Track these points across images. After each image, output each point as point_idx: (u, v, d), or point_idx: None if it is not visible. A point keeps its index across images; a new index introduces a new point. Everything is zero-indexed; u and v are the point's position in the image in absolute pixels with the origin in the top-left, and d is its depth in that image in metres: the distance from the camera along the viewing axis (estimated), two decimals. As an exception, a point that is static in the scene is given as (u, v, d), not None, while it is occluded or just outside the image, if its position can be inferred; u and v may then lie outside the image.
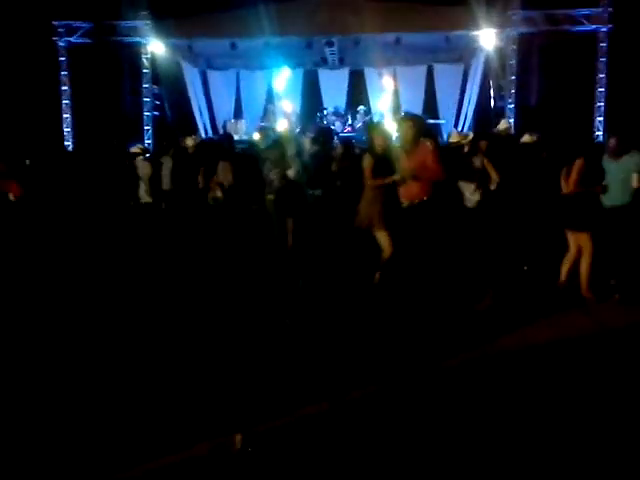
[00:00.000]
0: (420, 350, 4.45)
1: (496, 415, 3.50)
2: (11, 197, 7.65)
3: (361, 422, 3.45)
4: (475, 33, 14.29)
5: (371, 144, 5.82)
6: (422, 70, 17.24)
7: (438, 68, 17.16)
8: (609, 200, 5.81)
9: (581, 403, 3.63)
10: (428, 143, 5.57)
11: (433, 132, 6.50)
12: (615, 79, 14.24)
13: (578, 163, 5.60)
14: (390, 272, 5.58)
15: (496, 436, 3.25)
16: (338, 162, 7.19)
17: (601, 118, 14.60)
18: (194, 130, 16.52)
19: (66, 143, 15.19)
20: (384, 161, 5.61)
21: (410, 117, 6.08)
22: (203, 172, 7.30)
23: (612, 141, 5.88)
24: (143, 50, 15.31)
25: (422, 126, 5.77)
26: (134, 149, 8.56)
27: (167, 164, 7.99)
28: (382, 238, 5.69)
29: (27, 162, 8.64)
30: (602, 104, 14.60)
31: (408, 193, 5.51)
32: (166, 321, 5.23)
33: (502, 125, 8.90)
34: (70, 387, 3.93)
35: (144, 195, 8.05)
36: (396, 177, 5.48)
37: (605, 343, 4.65)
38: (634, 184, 5.59)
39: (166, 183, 7.96)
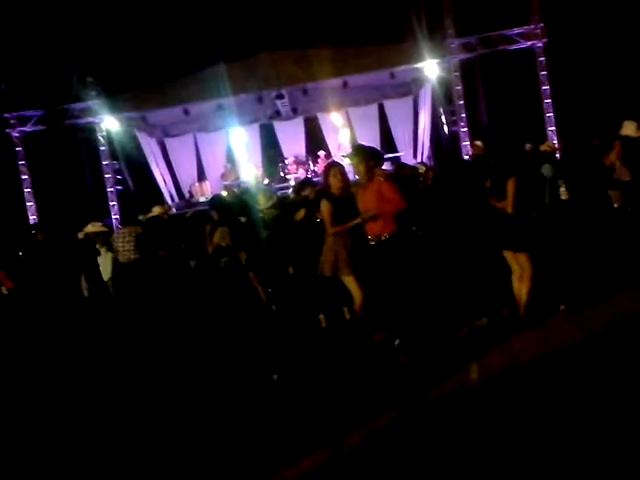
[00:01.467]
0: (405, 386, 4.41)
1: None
2: (4, 290, 7.68)
3: (362, 466, 3.40)
4: (418, 66, 14.74)
5: (327, 187, 5.40)
6: (374, 108, 17.64)
7: (388, 104, 17.57)
8: None
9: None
10: (379, 174, 5.34)
11: (382, 161, 5.84)
12: (559, 88, 14.75)
13: (510, 183, 5.21)
14: (366, 311, 5.32)
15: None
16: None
17: (552, 127, 15.02)
18: (160, 199, 16.63)
19: (33, 231, 15.08)
20: (343, 203, 5.30)
21: (360, 150, 5.65)
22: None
23: None
24: (98, 128, 15.46)
25: (374, 157, 5.42)
26: (94, 228, 8.46)
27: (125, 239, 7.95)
28: (349, 283, 5.32)
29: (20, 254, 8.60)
30: (551, 114, 15.05)
31: (374, 229, 5.26)
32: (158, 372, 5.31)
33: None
34: None
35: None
36: (356, 221, 5.22)
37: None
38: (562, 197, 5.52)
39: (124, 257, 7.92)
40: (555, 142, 14.59)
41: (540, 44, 14.66)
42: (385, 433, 3.72)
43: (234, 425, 4.18)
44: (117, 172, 16.15)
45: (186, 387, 5.12)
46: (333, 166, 5.63)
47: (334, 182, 5.36)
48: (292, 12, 14.25)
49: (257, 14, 14.49)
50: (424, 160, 16.48)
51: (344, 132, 17.29)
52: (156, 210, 9.92)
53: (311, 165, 17.64)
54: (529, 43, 14.70)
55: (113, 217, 15.62)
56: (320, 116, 17.62)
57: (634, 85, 13.47)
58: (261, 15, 14.48)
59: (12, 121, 15.01)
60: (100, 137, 15.58)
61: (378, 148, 16.49)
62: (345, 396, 4.38)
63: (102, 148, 15.67)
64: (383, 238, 5.19)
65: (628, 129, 7.14)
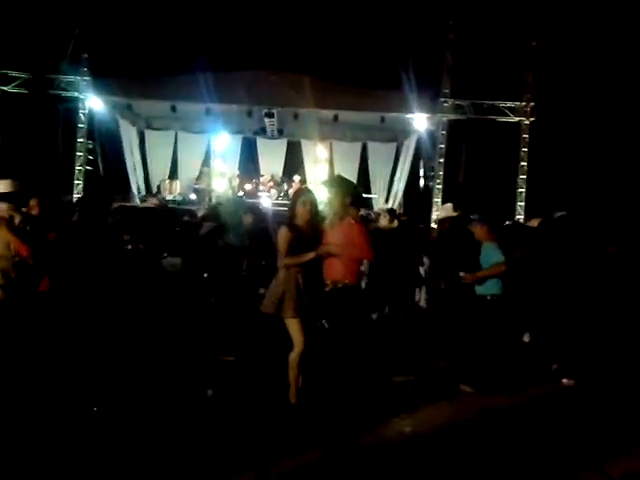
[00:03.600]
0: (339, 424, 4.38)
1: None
2: None
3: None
4: (408, 116, 15.07)
5: (292, 214, 4.76)
6: (357, 146, 17.94)
7: (372, 146, 17.89)
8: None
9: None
10: (353, 215, 4.77)
11: (363, 201, 5.66)
12: (536, 167, 15.26)
13: None
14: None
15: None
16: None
17: (522, 203, 15.46)
18: (127, 188, 16.40)
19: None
20: (306, 236, 4.68)
21: (340, 181, 5.07)
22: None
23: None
24: (81, 105, 15.19)
25: (353, 195, 4.84)
26: None
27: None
28: (292, 327, 4.62)
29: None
30: (523, 190, 15.51)
31: (331, 273, 4.67)
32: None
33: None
34: None
35: None
36: (311, 254, 4.58)
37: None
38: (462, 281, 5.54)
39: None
40: (521, 216, 15.05)
41: (527, 122, 15.21)
42: (311, 468, 3.73)
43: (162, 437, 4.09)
44: (90, 152, 15.84)
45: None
46: (304, 193, 4.99)
47: (301, 211, 4.70)
48: (300, 39, 14.45)
49: (267, 33, 14.63)
50: (394, 207, 16.75)
51: (323, 166, 17.43)
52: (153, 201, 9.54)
53: (285, 187, 17.70)
54: (517, 119, 15.24)
55: (75, 195, 15.24)
56: (304, 142, 17.76)
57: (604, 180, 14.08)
58: (270, 35, 14.62)
59: (-5, 78, 14.62)
60: (81, 114, 15.30)
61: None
62: (275, 426, 4.33)
63: (80, 125, 15.38)
64: (339, 285, 4.63)
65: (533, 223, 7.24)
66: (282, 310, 4.61)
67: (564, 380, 5.76)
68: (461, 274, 5.56)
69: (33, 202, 5.30)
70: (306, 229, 4.70)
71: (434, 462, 3.94)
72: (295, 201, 4.85)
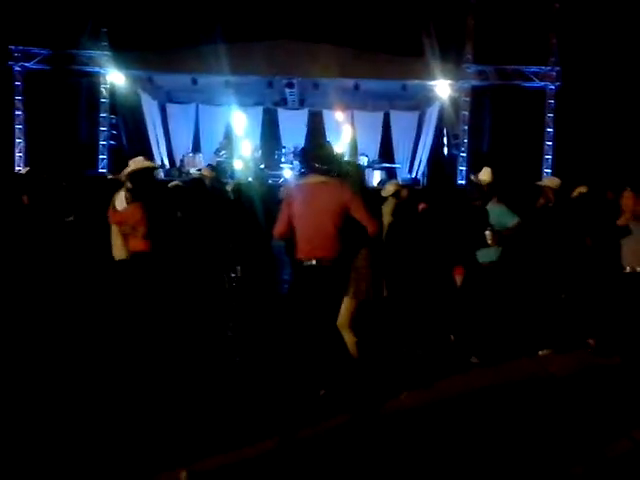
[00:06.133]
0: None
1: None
2: None
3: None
4: (431, 83, 14.82)
5: None
6: (379, 116, 17.71)
7: (395, 115, 17.64)
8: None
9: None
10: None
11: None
12: (562, 133, 14.91)
13: None
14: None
15: None
16: None
17: (548, 170, 15.17)
18: (151, 161, 16.42)
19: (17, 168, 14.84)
20: None
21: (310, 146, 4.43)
22: None
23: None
24: (102, 80, 15.27)
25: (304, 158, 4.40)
26: None
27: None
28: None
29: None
30: (550, 157, 15.21)
31: None
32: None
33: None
34: None
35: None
36: None
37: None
38: (488, 241, 5.18)
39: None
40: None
41: (552, 86, 14.85)
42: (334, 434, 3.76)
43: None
44: (113, 127, 15.96)
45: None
46: None
47: None
48: (318, 7, 14.19)
49: (284, 1, 14.40)
50: (418, 177, 16.62)
51: (346, 129, 17.20)
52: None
53: (307, 158, 17.62)
54: (542, 83, 14.87)
55: (100, 170, 15.43)
56: (325, 112, 17.61)
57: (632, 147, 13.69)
58: (287, 2, 14.39)
59: (16, 54, 14.72)
60: (103, 89, 15.38)
61: (377, 155, 16.75)
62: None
63: (103, 100, 15.47)
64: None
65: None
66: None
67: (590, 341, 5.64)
68: None
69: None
70: None
71: (453, 430, 3.95)
72: None
